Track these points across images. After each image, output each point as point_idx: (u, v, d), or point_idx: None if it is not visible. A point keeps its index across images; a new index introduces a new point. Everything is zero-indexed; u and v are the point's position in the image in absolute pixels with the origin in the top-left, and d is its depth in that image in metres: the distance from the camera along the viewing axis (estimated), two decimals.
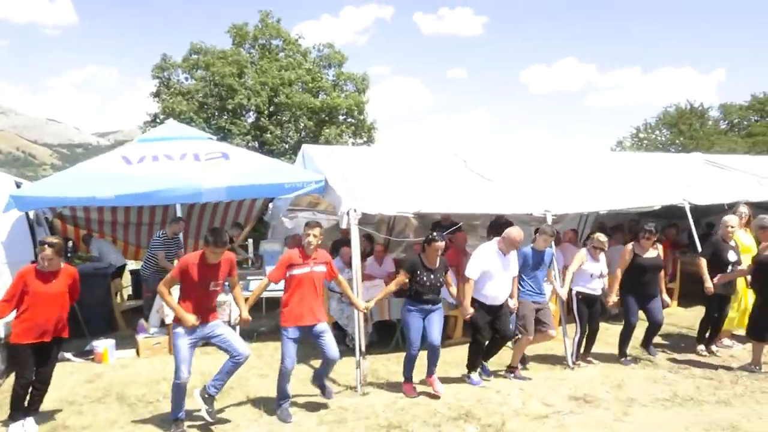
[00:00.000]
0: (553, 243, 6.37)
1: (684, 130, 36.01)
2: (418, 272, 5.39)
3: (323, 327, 5.05)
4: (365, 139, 21.87)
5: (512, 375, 6.04)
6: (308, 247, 4.97)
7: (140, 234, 10.44)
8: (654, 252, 6.40)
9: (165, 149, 8.15)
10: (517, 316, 6.05)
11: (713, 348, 6.67)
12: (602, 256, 6.30)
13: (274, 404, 5.03)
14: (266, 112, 20.42)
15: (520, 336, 6.01)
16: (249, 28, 21.42)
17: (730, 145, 33.45)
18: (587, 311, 6.29)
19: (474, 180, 8.27)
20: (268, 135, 19.88)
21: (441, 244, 5.39)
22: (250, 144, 19.33)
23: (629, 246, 6.44)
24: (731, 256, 6.33)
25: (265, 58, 20.97)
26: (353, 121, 21.61)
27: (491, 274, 5.64)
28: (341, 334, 7.16)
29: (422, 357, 5.49)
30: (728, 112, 39.52)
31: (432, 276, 5.42)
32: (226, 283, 4.92)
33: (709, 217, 10.90)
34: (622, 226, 10.95)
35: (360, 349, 5.75)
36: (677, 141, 35.45)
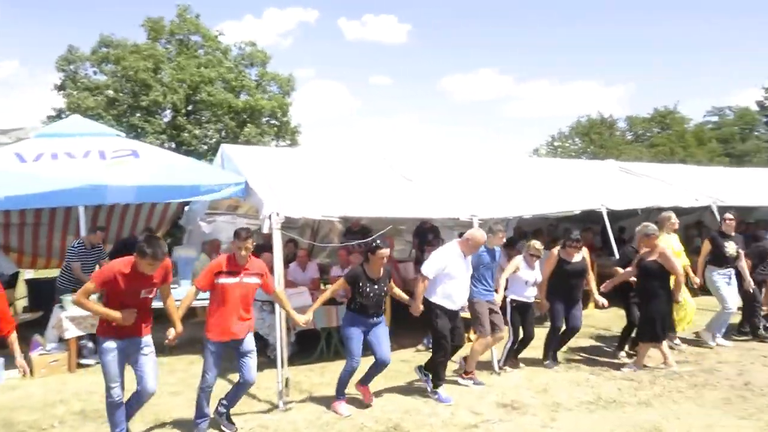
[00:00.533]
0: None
1: (595, 139, 38.08)
2: (361, 284, 5.10)
3: (250, 345, 4.69)
4: (289, 141, 21.32)
5: (471, 382, 5.90)
6: (240, 257, 4.59)
7: (38, 238, 9.51)
8: (579, 255, 6.46)
9: (66, 146, 7.44)
10: (472, 316, 5.96)
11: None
12: (537, 263, 6.30)
13: (192, 424, 4.60)
14: (184, 110, 19.42)
15: (474, 338, 5.96)
16: (165, 23, 20.31)
17: (635, 154, 35.66)
18: (520, 318, 6.26)
19: (400, 184, 8.14)
20: (186, 135, 18.91)
21: (386, 251, 5.12)
22: (165, 144, 18.27)
23: (555, 251, 6.47)
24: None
25: (182, 54, 19.96)
26: (276, 123, 21.01)
27: (453, 275, 5.48)
28: (262, 345, 6.76)
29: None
30: (633, 124, 42.24)
31: (376, 287, 5.15)
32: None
33: (621, 221, 11.42)
34: (541, 230, 11.23)
35: (282, 360, 5.42)
36: (589, 149, 37.44)
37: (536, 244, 6.29)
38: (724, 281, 7.06)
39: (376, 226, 8.78)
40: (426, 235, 10.13)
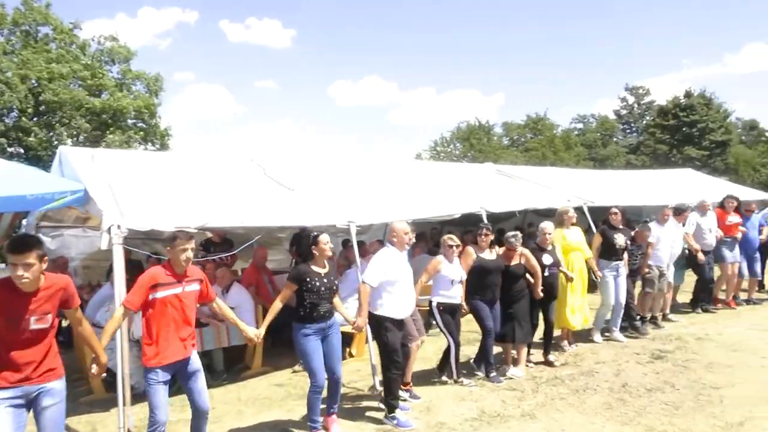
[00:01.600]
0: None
1: (474, 144, 39.64)
2: (309, 279, 4.51)
3: (197, 364, 3.96)
4: (158, 145, 19.66)
5: (408, 395, 5.45)
6: (180, 265, 3.86)
7: None
8: (493, 254, 6.13)
9: None
10: None
11: (550, 358, 6.53)
12: (456, 259, 5.85)
13: None
14: (30, 110, 17.15)
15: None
16: (8, 11, 17.89)
17: (512, 158, 37.47)
18: (452, 320, 5.75)
19: (274, 189, 7.45)
20: (32, 138, 16.70)
21: (326, 238, 4.65)
22: (8, 150, 16.01)
23: (470, 248, 6.10)
24: (546, 260, 6.37)
25: (29, 48, 17.67)
26: (144, 125, 19.28)
27: (394, 280, 4.92)
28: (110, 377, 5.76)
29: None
30: (509, 130, 44.60)
31: (326, 281, 4.60)
32: None
33: (500, 223, 11.55)
34: (424, 234, 11.08)
35: (124, 398, 4.57)
36: (469, 154, 38.83)
37: (452, 236, 5.87)
38: (612, 275, 7.18)
39: (249, 236, 8.05)
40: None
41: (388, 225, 6.12)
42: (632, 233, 7.58)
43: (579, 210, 9.80)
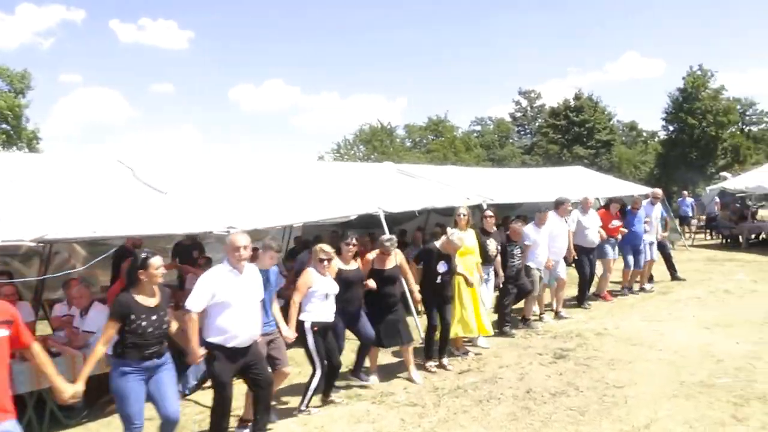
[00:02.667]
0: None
1: (377, 146, 39.55)
2: (133, 316, 3.74)
3: (11, 427, 2.98)
4: (25, 149, 17.56)
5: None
6: None
7: None
8: (355, 265, 5.73)
9: None
10: None
11: (444, 361, 6.15)
12: (329, 273, 5.25)
13: None
14: None
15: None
16: None
17: (414, 159, 37.73)
18: (324, 344, 5.09)
19: (143, 193, 6.53)
20: None
21: (158, 262, 3.87)
22: None
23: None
24: (440, 268, 5.95)
25: None
26: (7, 128, 17.14)
27: (227, 303, 4.19)
28: None
29: None
30: (411, 132, 45.05)
31: (154, 317, 3.82)
32: None
33: (402, 224, 11.20)
34: (320, 237, 10.48)
35: None
36: (372, 156, 38.65)
37: (324, 246, 5.25)
38: (483, 279, 6.92)
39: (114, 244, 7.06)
40: (189, 253, 8.62)
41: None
42: (507, 233, 7.48)
43: (479, 207, 9.68)
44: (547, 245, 7.76)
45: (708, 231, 18.36)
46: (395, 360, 6.35)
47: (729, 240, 16.58)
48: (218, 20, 66.81)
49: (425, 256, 6.14)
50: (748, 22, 63.49)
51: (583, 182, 15.55)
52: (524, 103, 52.17)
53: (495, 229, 7.34)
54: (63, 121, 59.37)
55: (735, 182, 17.58)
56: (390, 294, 5.78)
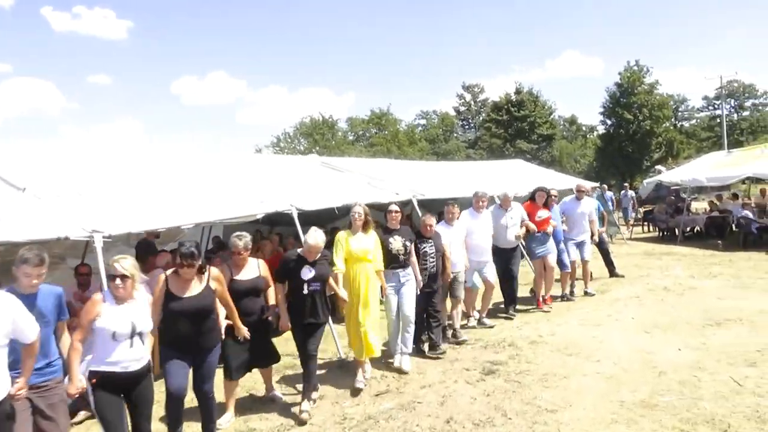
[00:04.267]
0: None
1: (318, 139, 38.47)
2: None
3: None
4: None
5: None
6: None
7: None
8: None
9: None
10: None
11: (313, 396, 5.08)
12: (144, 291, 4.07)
13: None
14: None
15: None
16: None
17: (356, 153, 36.92)
18: (112, 405, 3.64)
19: None
20: None
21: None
22: None
23: (162, 276, 4.45)
24: (305, 274, 4.89)
25: None
26: None
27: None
28: None
29: None
30: (354, 125, 44.17)
31: None
32: None
33: (334, 221, 10.34)
34: (219, 240, 9.61)
35: None
36: (314, 150, 37.55)
37: (120, 258, 3.70)
38: (391, 286, 5.75)
39: None
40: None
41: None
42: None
43: (407, 204, 8.93)
44: (462, 244, 6.87)
45: (644, 223, 18.40)
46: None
47: (666, 233, 16.56)
48: (159, 9, 63.84)
49: (282, 266, 5.00)
50: (679, 21, 66.13)
51: (522, 175, 15.12)
52: (468, 97, 52.21)
53: (399, 226, 5.97)
54: None
55: (670, 175, 17.61)
56: (246, 311, 4.72)
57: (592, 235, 9.22)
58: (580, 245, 8.86)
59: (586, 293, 8.87)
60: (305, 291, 4.81)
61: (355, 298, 5.38)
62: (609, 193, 17.89)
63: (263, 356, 4.98)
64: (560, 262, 8.50)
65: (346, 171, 9.93)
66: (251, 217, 6.62)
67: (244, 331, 4.56)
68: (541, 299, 8.18)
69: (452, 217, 6.86)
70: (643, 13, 67.53)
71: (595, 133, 46.66)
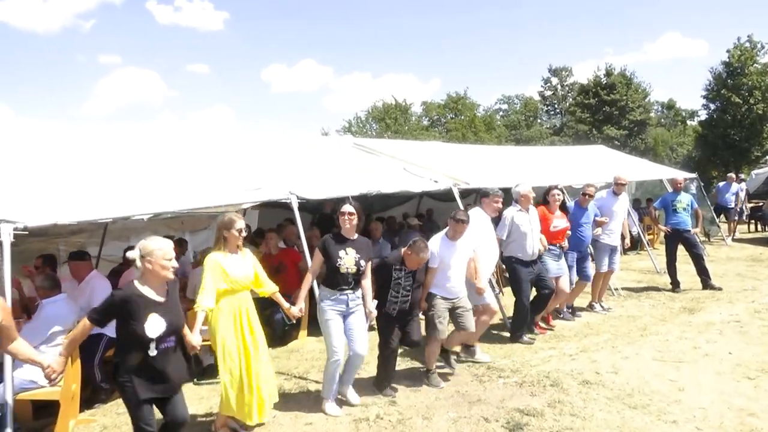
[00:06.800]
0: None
1: (390, 124, 37.17)
2: None
3: None
4: None
5: None
6: None
7: None
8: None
9: None
10: None
11: None
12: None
13: None
14: None
15: None
16: None
17: (431, 139, 35.34)
18: None
19: None
20: None
21: None
22: None
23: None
24: (150, 330, 3.57)
25: None
26: None
27: None
28: None
29: None
30: (429, 110, 42.46)
31: None
32: None
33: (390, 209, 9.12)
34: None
35: None
36: (385, 135, 36.38)
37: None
38: (336, 311, 4.33)
39: None
40: None
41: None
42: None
43: (448, 193, 7.48)
44: (462, 265, 5.04)
45: (751, 221, 15.67)
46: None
47: None
48: (253, 1, 65.83)
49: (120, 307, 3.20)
50: None
51: (602, 164, 13.11)
52: (554, 81, 48.95)
53: (356, 235, 4.44)
54: (103, 101, 60.26)
55: None
56: None
57: (623, 238, 7.58)
58: (612, 252, 7.32)
59: (591, 307, 7.37)
60: (152, 353, 3.13)
61: (239, 340, 4.06)
62: (736, 185, 14.46)
63: None
64: (582, 273, 6.96)
65: (380, 154, 8.61)
66: (238, 207, 5.51)
67: None
68: (540, 321, 6.58)
69: (459, 231, 4.91)
70: None
71: (696, 120, 42.16)
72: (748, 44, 32.39)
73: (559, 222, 6.42)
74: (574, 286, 6.83)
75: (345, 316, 4.39)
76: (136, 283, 3.18)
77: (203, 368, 5.56)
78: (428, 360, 5.02)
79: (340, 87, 66.63)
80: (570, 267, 6.67)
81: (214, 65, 66.68)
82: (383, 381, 4.82)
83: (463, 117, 40.45)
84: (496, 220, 5.92)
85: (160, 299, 3.18)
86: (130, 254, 3.24)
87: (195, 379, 5.37)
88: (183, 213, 5.75)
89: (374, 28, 67.70)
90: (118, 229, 8.64)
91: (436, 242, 4.90)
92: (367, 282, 4.50)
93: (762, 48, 32.25)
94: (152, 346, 3.11)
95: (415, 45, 67.50)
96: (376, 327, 4.91)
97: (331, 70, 72.83)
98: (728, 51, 32.48)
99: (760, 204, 15.36)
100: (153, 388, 3.15)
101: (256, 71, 69.40)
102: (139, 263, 3.17)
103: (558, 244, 6.40)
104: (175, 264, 3.26)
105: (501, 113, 50.01)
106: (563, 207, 6.67)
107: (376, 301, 4.62)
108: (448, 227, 4.97)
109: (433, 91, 66.73)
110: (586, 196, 7.00)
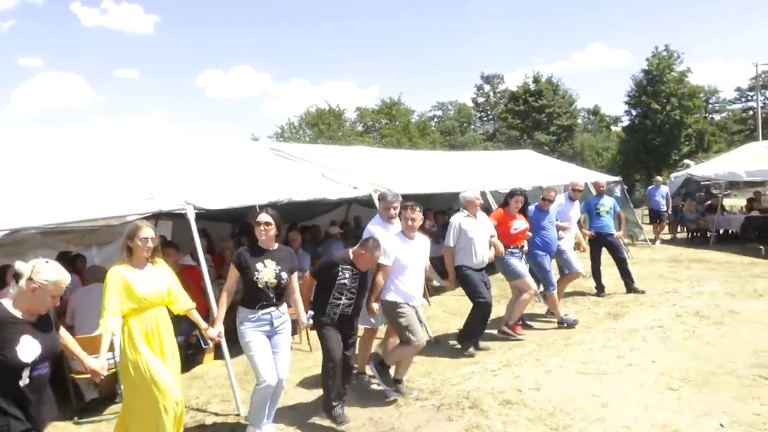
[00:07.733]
0: None
1: (324, 129, 36.63)
2: None
3: None
4: None
5: None
6: None
7: None
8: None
9: None
10: None
11: None
12: None
13: None
14: None
15: None
16: None
17: (365, 145, 35.05)
18: None
19: None
20: None
21: None
22: None
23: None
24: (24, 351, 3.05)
25: None
26: None
27: None
28: None
29: None
30: (363, 116, 42.23)
31: None
32: None
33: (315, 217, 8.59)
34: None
35: None
36: (319, 141, 35.82)
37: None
38: (258, 332, 3.85)
39: None
40: None
41: None
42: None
43: (368, 199, 7.08)
44: (418, 268, 4.87)
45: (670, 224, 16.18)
46: None
47: (696, 234, 14.43)
48: (185, 4, 63.69)
49: None
50: (708, 11, 62.93)
51: (529, 168, 13.15)
52: (487, 88, 49.86)
53: (276, 245, 4.04)
54: (25, 105, 56.50)
55: (702, 169, 15.40)
56: None
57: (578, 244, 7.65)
58: (570, 255, 7.24)
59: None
60: (24, 381, 2.58)
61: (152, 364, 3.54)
62: (664, 188, 14.57)
63: None
64: (545, 281, 6.74)
65: (298, 159, 8.09)
66: (122, 219, 4.86)
67: None
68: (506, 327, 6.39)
69: (411, 226, 4.76)
70: (671, 3, 64.38)
71: (620, 125, 44.01)
72: (665, 53, 34.01)
73: (519, 224, 6.27)
74: (554, 289, 6.69)
75: (270, 336, 3.90)
76: (5, 302, 2.62)
77: (85, 404, 4.88)
78: (398, 368, 4.78)
79: (279, 94, 65.85)
80: (548, 271, 6.65)
81: (145, 70, 64.20)
82: (330, 402, 4.27)
83: (397, 123, 40.42)
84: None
85: (32, 319, 2.66)
86: (20, 267, 2.68)
87: (75, 417, 4.71)
88: (49, 227, 5.03)
89: (312, 36, 67.35)
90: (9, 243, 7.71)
91: (389, 239, 4.62)
92: (296, 296, 4.06)
93: (678, 57, 33.97)
94: (25, 374, 2.56)
95: (353, 52, 67.61)
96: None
97: (268, 76, 71.80)
98: (647, 59, 34.00)
99: (680, 206, 15.87)
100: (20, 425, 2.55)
101: (190, 77, 67.50)
102: (23, 283, 2.62)
103: (518, 246, 6.23)
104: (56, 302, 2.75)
105: (436, 119, 50.45)
106: (523, 210, 6.41)
107: (311, 312, 4.18)
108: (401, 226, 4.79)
109: (371, 98, 67.03)
110: (547, 201, 6.87)
